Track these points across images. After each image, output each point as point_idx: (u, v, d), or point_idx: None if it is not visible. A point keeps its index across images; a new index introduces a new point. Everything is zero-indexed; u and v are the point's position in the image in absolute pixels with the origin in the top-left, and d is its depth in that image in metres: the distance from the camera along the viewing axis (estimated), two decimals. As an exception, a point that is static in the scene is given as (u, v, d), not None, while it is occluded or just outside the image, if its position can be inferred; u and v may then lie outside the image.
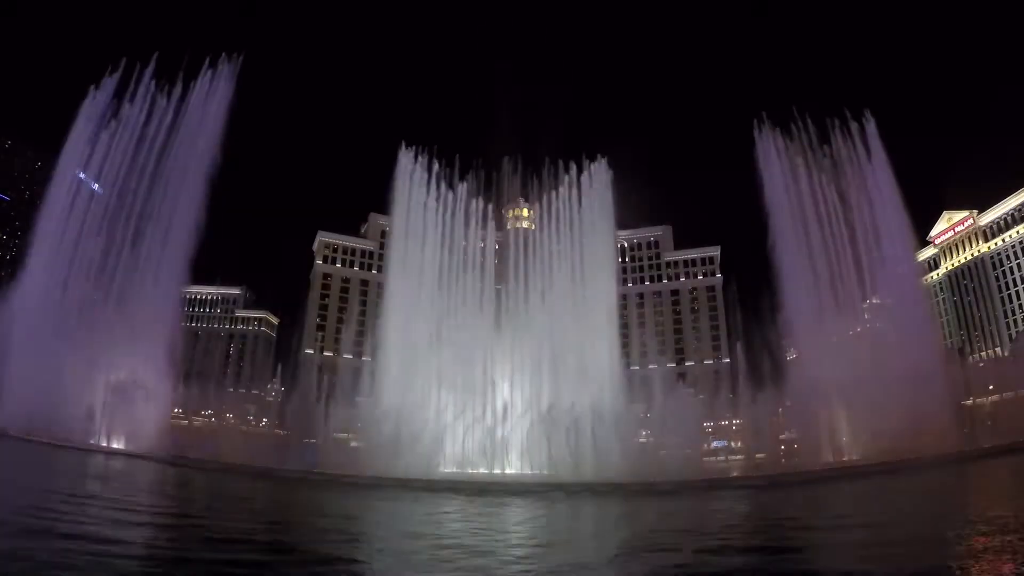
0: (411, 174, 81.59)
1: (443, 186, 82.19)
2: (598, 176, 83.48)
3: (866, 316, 78.22)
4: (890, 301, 75.77)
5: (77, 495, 21.31)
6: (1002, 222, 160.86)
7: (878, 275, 74.42)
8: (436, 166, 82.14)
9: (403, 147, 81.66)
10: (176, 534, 15.40)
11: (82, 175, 73.82)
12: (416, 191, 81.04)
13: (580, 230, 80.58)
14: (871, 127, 79.71)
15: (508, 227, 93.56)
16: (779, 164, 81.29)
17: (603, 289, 78.14)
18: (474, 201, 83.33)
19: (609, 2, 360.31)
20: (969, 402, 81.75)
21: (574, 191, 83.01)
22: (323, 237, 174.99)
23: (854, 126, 79.96)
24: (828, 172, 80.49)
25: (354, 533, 18.39)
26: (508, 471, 61.55)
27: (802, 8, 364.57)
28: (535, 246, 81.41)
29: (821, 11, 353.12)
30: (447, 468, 60.94)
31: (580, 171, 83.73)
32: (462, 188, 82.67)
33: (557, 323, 72.29)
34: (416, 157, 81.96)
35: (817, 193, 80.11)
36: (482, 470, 60.58)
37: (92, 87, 75.16)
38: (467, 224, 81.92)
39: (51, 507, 16.56)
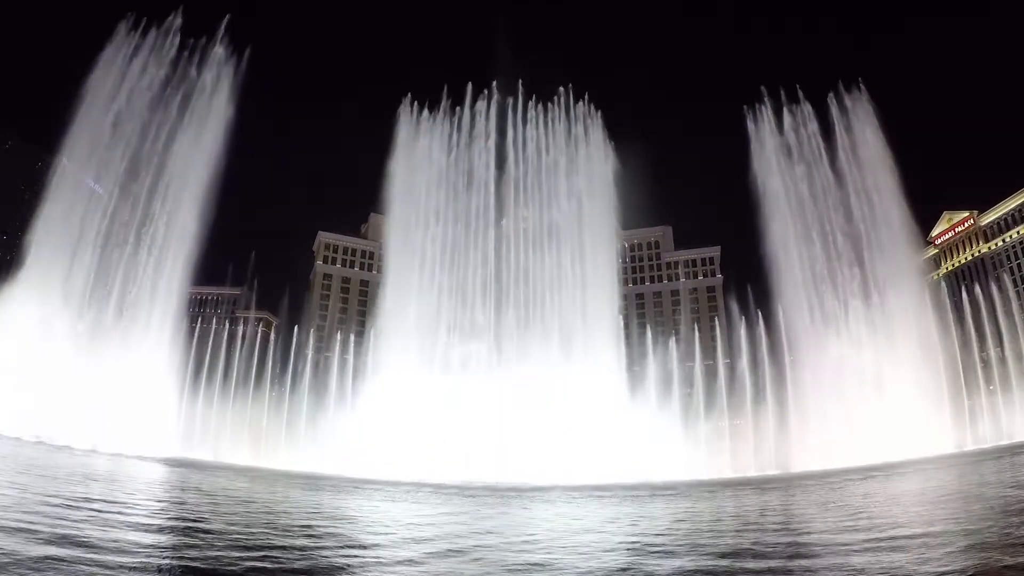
0: (414, 125, 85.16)
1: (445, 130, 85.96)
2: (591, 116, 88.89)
3: (867, 316, 78.14)
4: (890, 301, 75.84)
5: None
6: (1002, 222, 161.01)
7: (879, 275, 74.47)
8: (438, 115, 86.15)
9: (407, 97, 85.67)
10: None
11: (83, 175, 73.79)
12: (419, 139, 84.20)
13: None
14: (871, 125, 79.76)
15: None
16: (776, 164, 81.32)
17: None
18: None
19: (609, 4, 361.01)
20: (969, 403, 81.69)
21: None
22: (323, 237, 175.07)
23: (854, 125, 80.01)
24: (827, 171, 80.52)
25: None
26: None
27: (803, 6, 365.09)
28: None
29: (822, 9, 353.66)
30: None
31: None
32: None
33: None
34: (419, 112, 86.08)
35: (816, 192, 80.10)
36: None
37: (91, 77, 74.64)
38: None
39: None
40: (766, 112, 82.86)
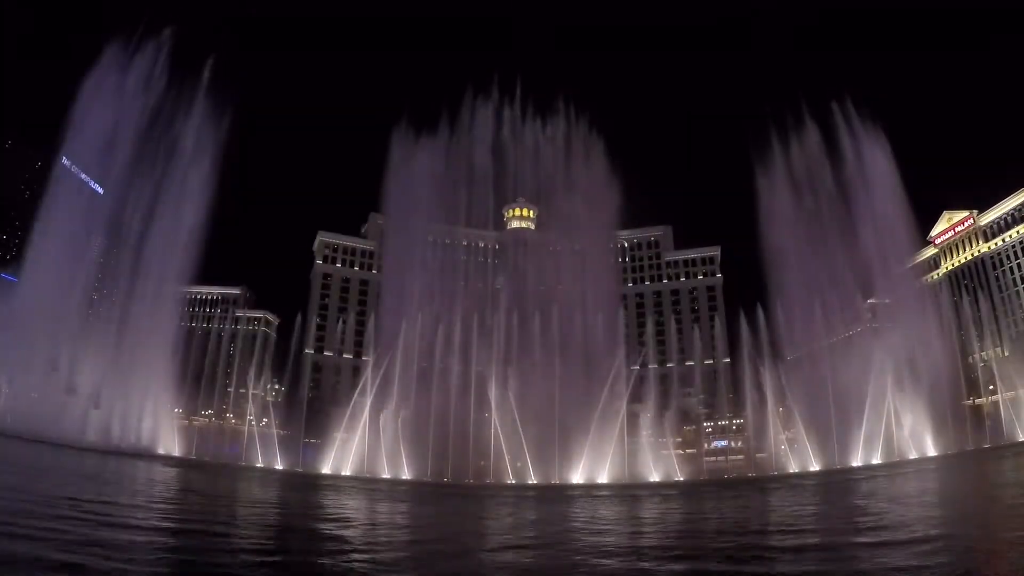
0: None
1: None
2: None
3: (868, 316, 78.10)
4: (891, 301, 75.77)
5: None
6: (1002, 222, 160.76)
7: (879, 276, 74.33)
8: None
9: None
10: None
11: (83, 175, 73.69)
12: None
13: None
14: (872, 125, 79.60)
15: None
16: (776, 165, 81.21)
17: None
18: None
19: (610, 6, 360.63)
20: (970, 402, 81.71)
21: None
22: (323, 237, 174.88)
23: (855, 124, 79.83)
24: (828, 171, 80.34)
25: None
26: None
27: (804, 7, 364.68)
28: None
29: (823, 10, 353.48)
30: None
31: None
32: None
33: None
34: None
35: (816, 193, 79.89)
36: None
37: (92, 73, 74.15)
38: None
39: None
40: (767, 112, 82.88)
